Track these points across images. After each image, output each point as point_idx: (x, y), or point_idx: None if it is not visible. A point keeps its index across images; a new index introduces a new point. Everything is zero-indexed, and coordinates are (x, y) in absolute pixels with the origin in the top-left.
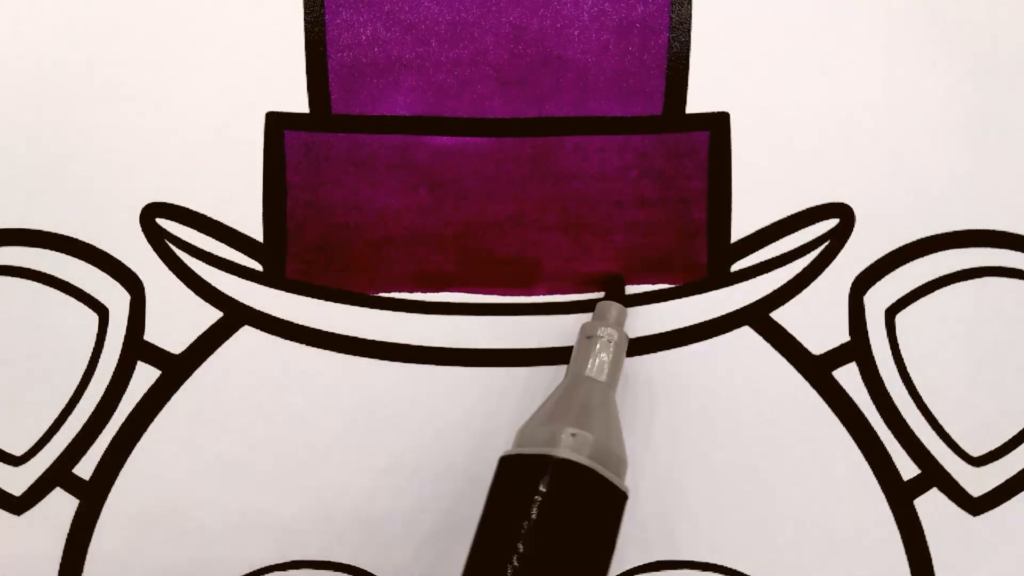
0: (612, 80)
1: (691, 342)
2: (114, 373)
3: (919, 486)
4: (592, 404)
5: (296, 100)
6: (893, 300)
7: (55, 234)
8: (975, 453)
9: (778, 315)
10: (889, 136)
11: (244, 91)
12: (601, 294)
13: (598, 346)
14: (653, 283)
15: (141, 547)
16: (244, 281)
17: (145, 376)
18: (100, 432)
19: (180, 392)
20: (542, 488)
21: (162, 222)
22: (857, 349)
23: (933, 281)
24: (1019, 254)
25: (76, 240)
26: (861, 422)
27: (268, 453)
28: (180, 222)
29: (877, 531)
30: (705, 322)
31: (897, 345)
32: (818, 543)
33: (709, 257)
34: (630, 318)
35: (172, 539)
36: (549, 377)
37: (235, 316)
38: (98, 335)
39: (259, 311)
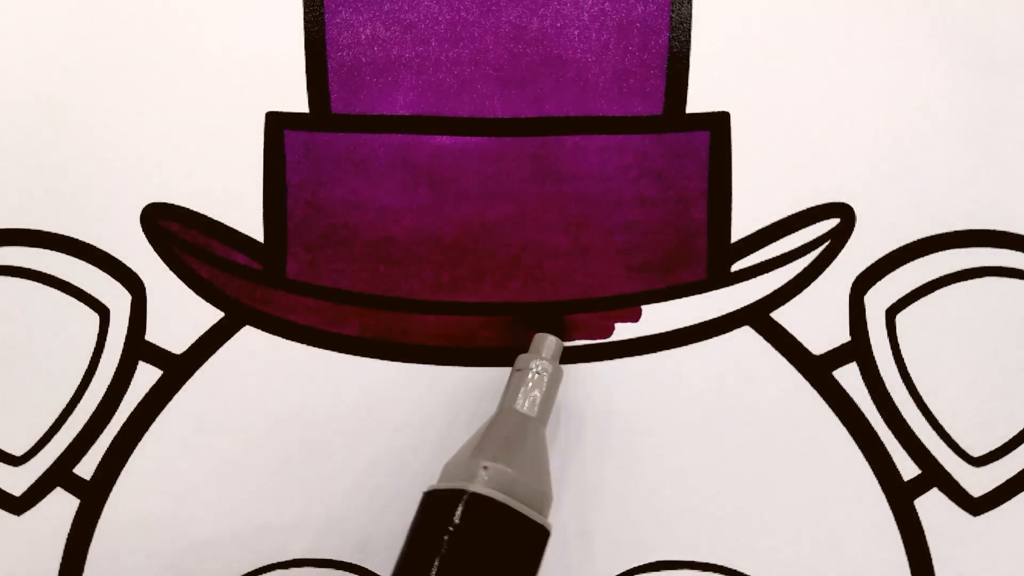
0: (612, 80)
1: (691, 342)
2: (115, 373)
3: (919, 486)
4: (516, 438)
5: (296, 100)
6: (893, 300)
7: (56, 234)
8: (975, 453)
9: (778, 315)
10: (889, 136)
11: (244, 91)
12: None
13: (529, 381)
14: (653, 283)
15: (141, 547)
16: (245, 281)
17: (146, 376)
18: (101, 432)
19: (181, 392)
20: (455, 522)
21: (163, 222)
22: (857, 349)
23: (933, 281)
24: (1019, 254)
25: (77, 240)
26: (861, 422)
27: (269, 453)
28: (181, 222)
29: (877, 531)
30: (705, 322)
31: (897, 345)
32: (818, 543)
33: (709, 257)
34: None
35: (173, 539)
36: None
37: (236, 316)
38: (99, 335)
39: (260, 311)
